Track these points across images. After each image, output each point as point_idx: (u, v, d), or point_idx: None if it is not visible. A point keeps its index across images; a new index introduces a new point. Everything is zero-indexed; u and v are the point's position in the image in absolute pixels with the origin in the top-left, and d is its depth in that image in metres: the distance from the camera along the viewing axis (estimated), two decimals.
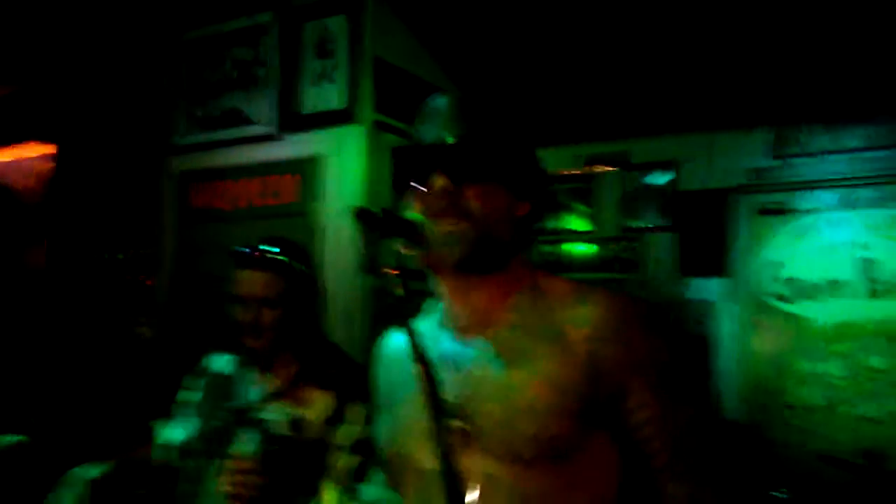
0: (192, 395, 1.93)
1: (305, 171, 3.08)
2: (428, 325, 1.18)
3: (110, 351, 3.43)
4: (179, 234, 3.46)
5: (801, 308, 3.50)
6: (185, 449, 1.85)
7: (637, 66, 3.45)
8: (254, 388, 1.80)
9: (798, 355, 3.47)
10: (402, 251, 1.03)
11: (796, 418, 3.44)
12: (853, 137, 3.50)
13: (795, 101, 3.54)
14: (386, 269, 0.97)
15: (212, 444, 1.76)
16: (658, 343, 1.06)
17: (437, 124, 1.10)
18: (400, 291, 0.97)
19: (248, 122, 3.29)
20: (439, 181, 1.05)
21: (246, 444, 1.65)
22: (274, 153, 3.19)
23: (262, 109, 3.24)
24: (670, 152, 3.95)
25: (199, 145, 3.44)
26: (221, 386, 1.87)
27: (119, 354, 3.41)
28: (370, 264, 0.99)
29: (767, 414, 3.49)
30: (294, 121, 3.14)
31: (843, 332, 3.38)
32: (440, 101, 1.14)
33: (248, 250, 1.80)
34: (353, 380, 1.78)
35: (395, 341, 1.26)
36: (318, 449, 1.66)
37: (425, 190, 1.07)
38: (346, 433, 1.69)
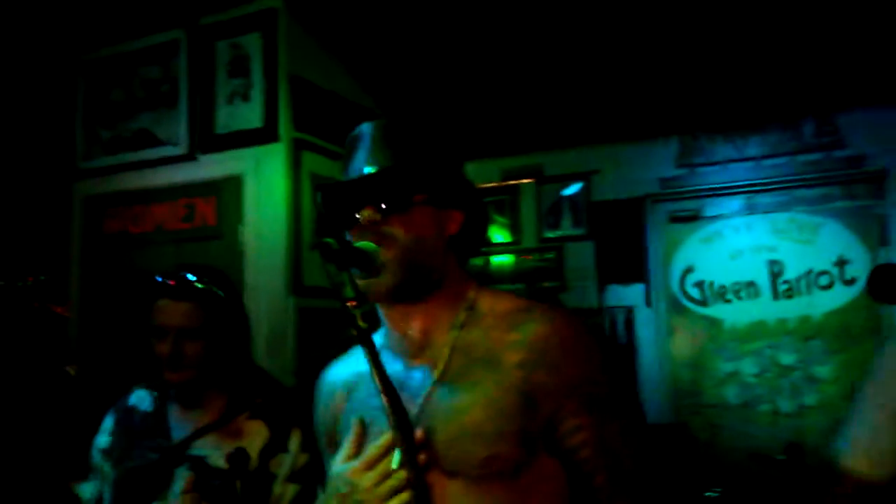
0: (100, 439, 1.78)
1: (223, 192, 2.99)
2: None
3: (37, 393, 3.12)
4: (90, 262, 3.29)
5: (714, 310, 3.65)
6: (98, 501, 1.70)
7: (546, 79, 3.54)
8: (181, 424, 1.70)
9: (714, 356, 3.62)
10: (358, 281, 1.04)
11: (718, 417, 3.58)
12: (753, 146, 3.68)
13: (697, 112, 3.71)
14: (346, 300, 0.97)
15: (135, 488, 1.64)
16: (590, 363, 1.05)
17: (360, 157, 1.12)
18: (363, 324, 0.97)
19: (159, 143, 3.17)
20: (365, 213, 1.07)
21: (182, 482, 1.57)
22: (189, 175, 3.09)
23: (174, 130, 3.14)
24: (582, 164, 4.07)
25: (108, 168, 3.29)
26: (139, 424, 1.74)
27: (46, 397, 3.11)
28: (336, 295, 0.98)
29: (691, 415, 3.62)
30: (209, 141, 3.05)
31: (755, 331, 3.55)
32: (363, 131, 1.14)
33: (165, 279, 1.71)
34: (286, 406, 1.74)
35: (344, 368, 1.24)
36: (259, 480, 1.61)
37: (354, 225, 1.09)
38: (285, 462, 1.64)
